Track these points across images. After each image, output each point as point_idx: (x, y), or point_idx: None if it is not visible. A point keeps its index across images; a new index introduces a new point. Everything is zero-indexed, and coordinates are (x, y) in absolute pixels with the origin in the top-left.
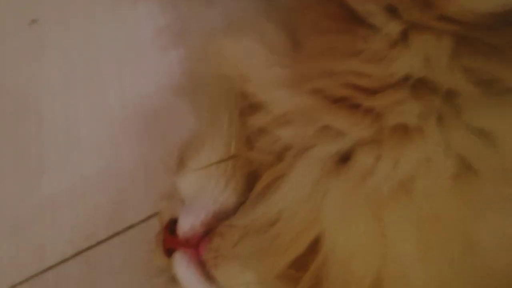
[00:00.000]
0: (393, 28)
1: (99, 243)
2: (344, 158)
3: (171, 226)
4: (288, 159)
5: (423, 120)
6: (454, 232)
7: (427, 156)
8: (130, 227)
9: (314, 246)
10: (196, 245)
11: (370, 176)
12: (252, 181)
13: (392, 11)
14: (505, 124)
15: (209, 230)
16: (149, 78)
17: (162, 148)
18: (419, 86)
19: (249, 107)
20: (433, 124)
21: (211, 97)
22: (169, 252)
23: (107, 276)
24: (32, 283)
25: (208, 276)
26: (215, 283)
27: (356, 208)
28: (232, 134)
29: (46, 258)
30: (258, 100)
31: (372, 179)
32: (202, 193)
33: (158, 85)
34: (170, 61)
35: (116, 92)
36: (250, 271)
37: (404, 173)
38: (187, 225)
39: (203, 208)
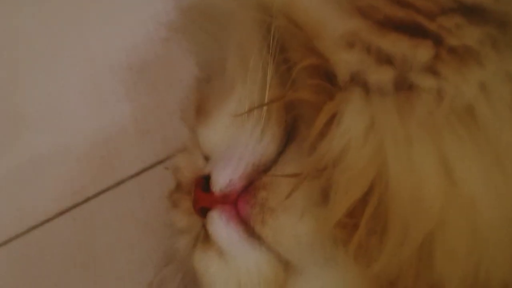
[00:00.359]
0: None
1: (87, 200)
2: (403, 86)
3: (203, 182)
4: (343, 92)
5: (481, 45)
6: None
7: (485, 82)
8: (121, 182)
9: (370, 188)
10: (235, 201)
11: (431, 103)
12: (291, 127)
13: None
14: None
15: (249, 184)
16: (135, 28)
17: (152, 100)
18: (476, 13)
19: (293, 41)
20: (490, 50)
21: (241, 33)
22: (202, 211)
23: (98, 232)
24: (14, 244)
25: (251, 234)
26: (259, 241)
27: (418, 137)
28: (268, 75)
29: (27, 219)
30: (307, 29)
31: (433, 106)
32: (236, 144)
33: (144, 36)
34: (156, 10)
35: (99, 43)
36: (304, 222)
37: (465, 99)
38: (224, 179)
39: (240, 160)
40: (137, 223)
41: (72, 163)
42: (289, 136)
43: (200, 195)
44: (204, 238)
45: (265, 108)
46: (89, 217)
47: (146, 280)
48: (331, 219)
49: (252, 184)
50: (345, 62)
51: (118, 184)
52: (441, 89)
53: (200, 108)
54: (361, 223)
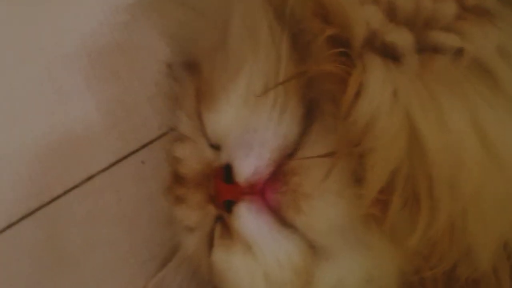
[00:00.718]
0: None
1: (53, 199)
2: (423, 48)
3: (223, 174)
4: (363, 59)
5: (498, 7)
6: None
7: (502, 44)
8: (90, 177)
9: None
10: (262, 190)
11: (452, 63)
12: (310, 105)
13: None
14: None
15: (276, 170)
16: (90, 12)
17: (115, 89)
18: None
19: (307, 10)
20: (506, 12)
21: (246, 3)
22: (226, 205)
23: (69, 233)
24: None
25: (282, 223)
26: (291, 229)
27: (446, 99)
28: (284, 49)
29: None
30: None
31: (454, 66)
32: (254, 128)
33: (101, 20)
34: None
35: (51, 31)
36: (339, 205)
37: (486, 56)
38: (249, 168)
39: (263, 146)
40: (113, 219)
41: (33, 162)
42: (309, 115)
43: (223, 187)
44: (224, 233)
45: (281, 86)
46: (57, 217)
47: (129, 278)
48: (368, 195)
49: (280, 170)
50: (365, 20)
51: (88, 179)
52: (462, 48)
53: (202, 92)
54: (394, 196)
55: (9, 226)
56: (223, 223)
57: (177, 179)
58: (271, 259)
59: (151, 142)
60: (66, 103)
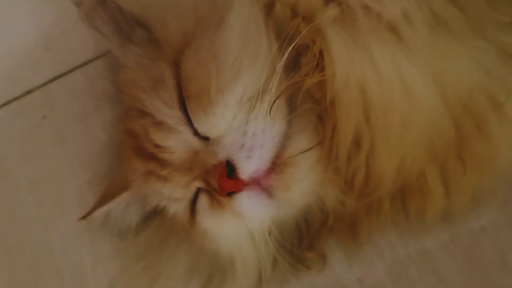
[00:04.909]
0: None
1: None
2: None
3: (225, 170)
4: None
5: None
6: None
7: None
8: (29, 92)
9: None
10: (260, 180)
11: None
12: (291, 103)
13: None
14: None
15: (273, 165)
16: None
17: (55, 9)
18: None
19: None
20: None
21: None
22: (227, 193)
23: (7, 143)
24: None
25: (270, 198)
26: (274, 200)
27: (378, 55)
28: (280, 62)
29: None
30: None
31: (369, 23)
32: (253, 132)
33: None
34: None
35: None
36: (316, 178)
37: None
38: (252, 168)
39: (262, 148)
40: (47, 133)
41: None
42: (289, 113)
43: (227, 183)
44: (213, 204)
45: (273, 92)
46: None
47: (59, 187)
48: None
49: (275, 164)
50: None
51: (27, 93)
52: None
53: (188, 88)
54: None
55: None
56: (210, 196)
57: (156, 159)
58: (256, 222)
59: (87, 62)
60: (7, 23)
